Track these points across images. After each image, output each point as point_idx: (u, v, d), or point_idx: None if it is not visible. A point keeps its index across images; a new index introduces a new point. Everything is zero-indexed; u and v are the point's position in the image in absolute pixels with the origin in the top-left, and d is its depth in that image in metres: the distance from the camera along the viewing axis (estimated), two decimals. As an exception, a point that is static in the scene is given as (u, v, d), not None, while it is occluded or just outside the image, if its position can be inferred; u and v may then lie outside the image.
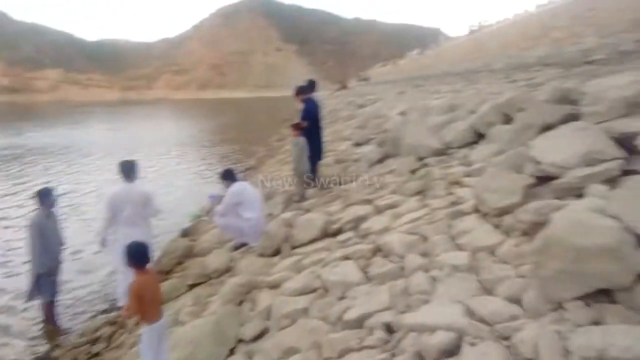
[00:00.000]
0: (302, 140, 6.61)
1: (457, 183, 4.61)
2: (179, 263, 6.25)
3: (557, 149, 3.53)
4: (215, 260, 5.49)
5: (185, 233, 7.68)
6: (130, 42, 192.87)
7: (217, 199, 6.00)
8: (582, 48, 10.10)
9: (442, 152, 5.92)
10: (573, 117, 4.51)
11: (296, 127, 6.70)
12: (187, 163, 17.48)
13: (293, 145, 6.70)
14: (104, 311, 5.78)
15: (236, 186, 5.48)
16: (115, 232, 5.33)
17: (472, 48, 28.51)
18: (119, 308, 5.41)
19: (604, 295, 2.18)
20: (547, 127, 4.47)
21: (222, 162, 16.54)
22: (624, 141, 3.32)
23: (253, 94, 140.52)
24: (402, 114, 10.58)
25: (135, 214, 5.36)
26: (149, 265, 3.38)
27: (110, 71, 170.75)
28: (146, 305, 3.16)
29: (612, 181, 3.02)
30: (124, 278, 4.84)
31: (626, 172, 3.07)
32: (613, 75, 6.41)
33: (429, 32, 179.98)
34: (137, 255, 3.24)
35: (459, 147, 5.90)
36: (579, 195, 3.04)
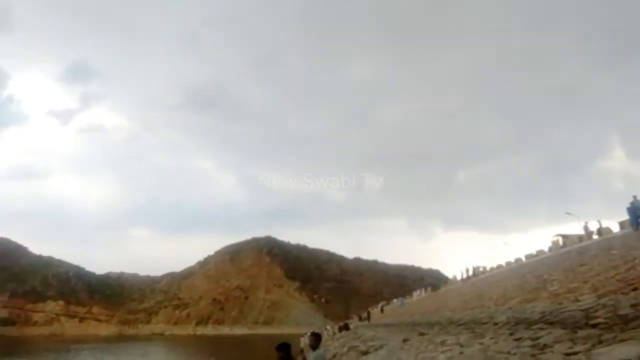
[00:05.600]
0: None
1: None
2: None
3: None
4: None
5: None
6: (137, 275, 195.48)
7: None
8: (582, 307, 10.19)
9: None
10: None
11: None
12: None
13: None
14: None
15: None
16: None
17: (472, 295, 28.87)
18: None
19: None
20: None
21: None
22: None
23: (252, 330, 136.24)
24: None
25: None
26: None
27: (112, 304, 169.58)
28: None
29: None
30: None
31: None
32: (619, 344, 6.36)
33: (428, 272, 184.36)
34: None
35: None
36: None
